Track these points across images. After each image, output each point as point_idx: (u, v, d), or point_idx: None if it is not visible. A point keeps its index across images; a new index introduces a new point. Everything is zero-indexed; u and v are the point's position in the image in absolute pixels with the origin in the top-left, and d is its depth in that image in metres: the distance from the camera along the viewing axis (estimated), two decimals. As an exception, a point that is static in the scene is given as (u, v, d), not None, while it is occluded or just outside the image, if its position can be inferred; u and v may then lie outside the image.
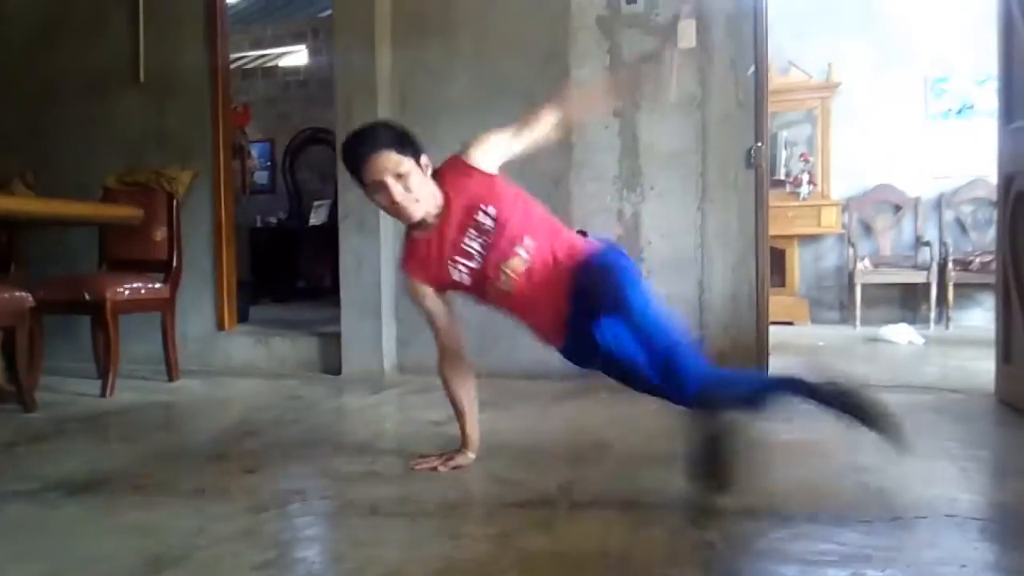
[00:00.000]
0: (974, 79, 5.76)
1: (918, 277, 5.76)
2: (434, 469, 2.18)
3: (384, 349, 3.85)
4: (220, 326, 4.25)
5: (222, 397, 3.48)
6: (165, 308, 3.79)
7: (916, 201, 6.02)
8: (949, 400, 3.10)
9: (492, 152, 2.10)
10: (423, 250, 2.11)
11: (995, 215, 3.48)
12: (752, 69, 3.41)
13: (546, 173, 3.66)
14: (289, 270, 7.75)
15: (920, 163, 5.99)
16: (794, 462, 2.34)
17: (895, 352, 4.65)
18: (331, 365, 3.96)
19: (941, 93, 5.98)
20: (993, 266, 3.72)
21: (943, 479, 2.08)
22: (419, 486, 2.07)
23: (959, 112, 5.92)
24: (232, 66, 5.17)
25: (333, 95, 3.97)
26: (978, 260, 5.53)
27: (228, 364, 4.16)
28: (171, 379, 3.77)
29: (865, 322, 5.72)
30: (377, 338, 3.84)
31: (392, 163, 1.98)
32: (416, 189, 2.01)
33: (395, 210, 2.04)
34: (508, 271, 2.01)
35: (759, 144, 3.40)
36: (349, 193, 3.89)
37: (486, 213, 2.03)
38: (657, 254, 3.54)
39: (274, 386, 3.67)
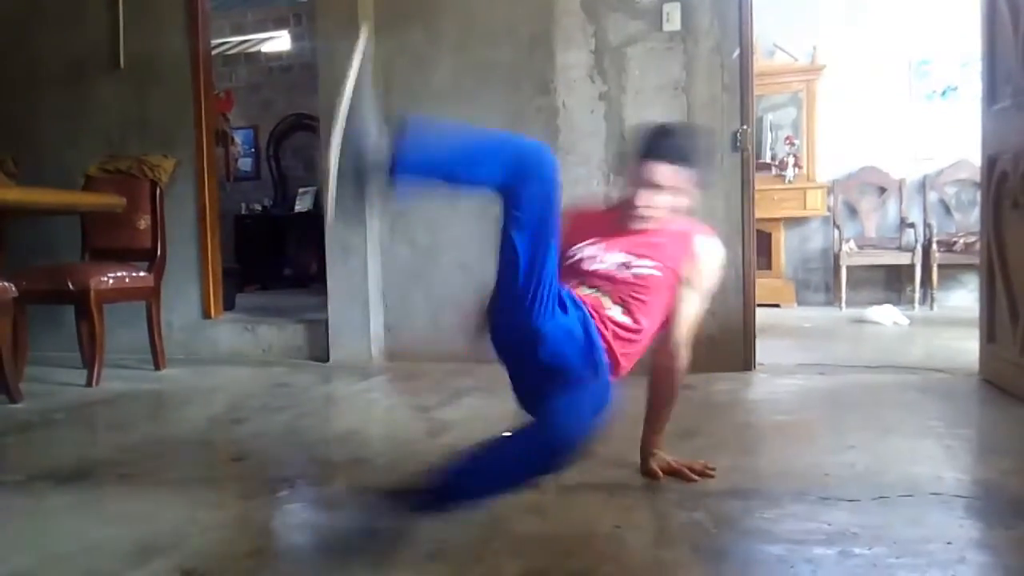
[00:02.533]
0: (958, 61, 5.78)
1: (903, 259, 5.79)
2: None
3: (372, 335, 3.84)
4: (206, 314, 4.22)
5: (209, 385, 3.46)
6: (150, 296, 3.76)
7: (901, 183, 6.05)
8: (934, 380, 3.13)
9: (703, 267, 1.94)
10: (596, 219, 2.00)
11: (979, 196, 3.50)
12: (737, 52, 3.41)
13: (532, 158, 3.64)
14: (275, 257, 7.71)
15: (904, 145, 6.02)
16: (781, 443, 2.36)
17: (880, 333, 4.68)
18: (319, 352, 3.95)
19: (925, 75, 5.99)
20: (977, 247, 3.75)
21: (928, 458, 2.10)
22: (408, 472, 2.07)
23: (943, 94, 5.95)
24: (213, 52, 5.11)
25: (316, 81, 3.94)
26: (962, 241, 5.57)
27: (215, 352, 4.15)
28: (157, 368, 3.75)
29: (851, 304, 5.76)
30: (364, 325, 3.84)
31: (677, 183, 1.87)
32: (665, 210, 1.89)
33: (635, 210, 1.89)
34: (590, 291, 1.87)
35: (745, 127, 3.41)
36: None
37: (648, 267, 1.88)
38: (644, 238, 3.54)
39: (261, 374, 3.65)
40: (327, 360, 3.88)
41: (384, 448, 2.40)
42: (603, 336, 1.79)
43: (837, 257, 5.94)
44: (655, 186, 1.86)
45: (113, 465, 2.21)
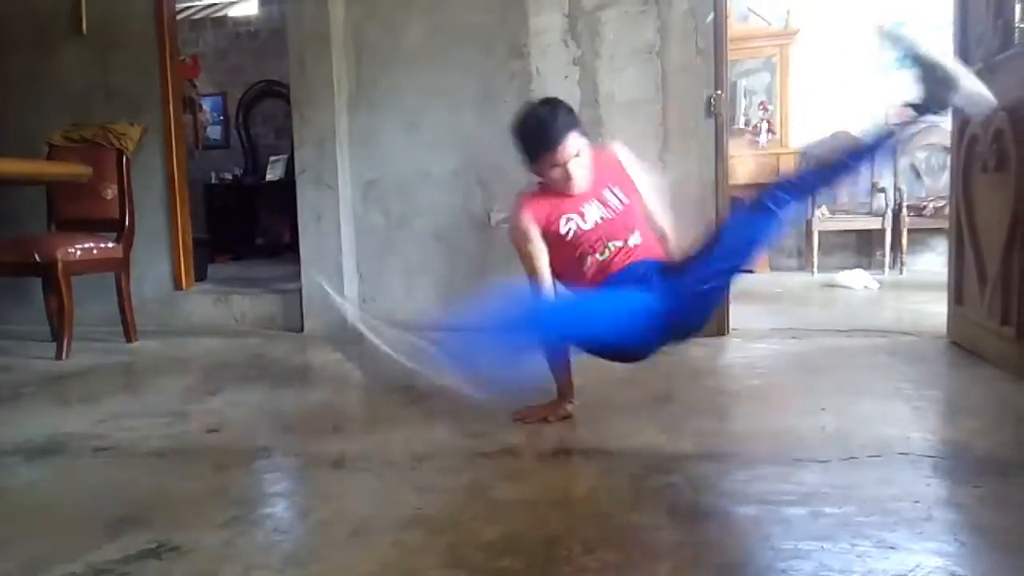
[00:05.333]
0: (931, 25, 5.78)
1: (873, 223, 5.85)
2: (545, 420, 2.19)
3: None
4: (177, 285, 4.17)
5: (182, 357, 3.43)
6: (119, 268, 3.70)
7: (872, 148, 6.08)
8: (903, 342, 3.18)
9: (634, 163, 2.30)
10: (546, 200, 2.20)
11: (948, 161, 3.53)
12: (711, 16, 3.38)
13: (507, 124, 3.60)
14: (247, 227, 7.62)
15: (876, 110, 6.04)
16: (755, 407, 2.38)
17: (851, 297, 4.74)
18: (293, 322, 3.92)
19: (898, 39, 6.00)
20: (946, 211, 3.80)
21: (897, 419, 2.14)
22: (385, 440, 2.07)
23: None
24: (179, 16, 4.99)
25: (285, 47, 3.86)
26: (931, 205, 5.63)
27: (187, 324, 4.10)
28: (129, 340, 3.71)
29: (822, 268, 5.81)
30: (339, 294, 3.81)
31: (578, 145, 2.13)
32: (586, 166, 2.16)
33: (567, 184, 2.15)
34: (611, 247, 2.14)
35: (719, 92, 3.39)
36: (305, 147, 3.83)
37: (615, 194, 2.20)
38: (618, 204, 3.54)
39: (235, 345, 3.63)
40: (301, 330, 3.86)
41: (361, 417, 2.39)
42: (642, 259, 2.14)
43: (809, 223, 5.99)
44: (571, 158, 2.11)
45: (86, 438, 2.18)
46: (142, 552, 1.43)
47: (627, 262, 2.12)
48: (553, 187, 2.18)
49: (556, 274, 2.21)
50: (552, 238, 2.17)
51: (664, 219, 2.32)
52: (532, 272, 2.19)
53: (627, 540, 1.45)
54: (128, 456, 2.03)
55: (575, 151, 2.12)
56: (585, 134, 2.18)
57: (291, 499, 1.78)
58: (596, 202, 2.18)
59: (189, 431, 2.26)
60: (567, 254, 2.16)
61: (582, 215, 2.16)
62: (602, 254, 2.13)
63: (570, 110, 2.18)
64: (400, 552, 1.42)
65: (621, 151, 2.32)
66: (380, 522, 1.55)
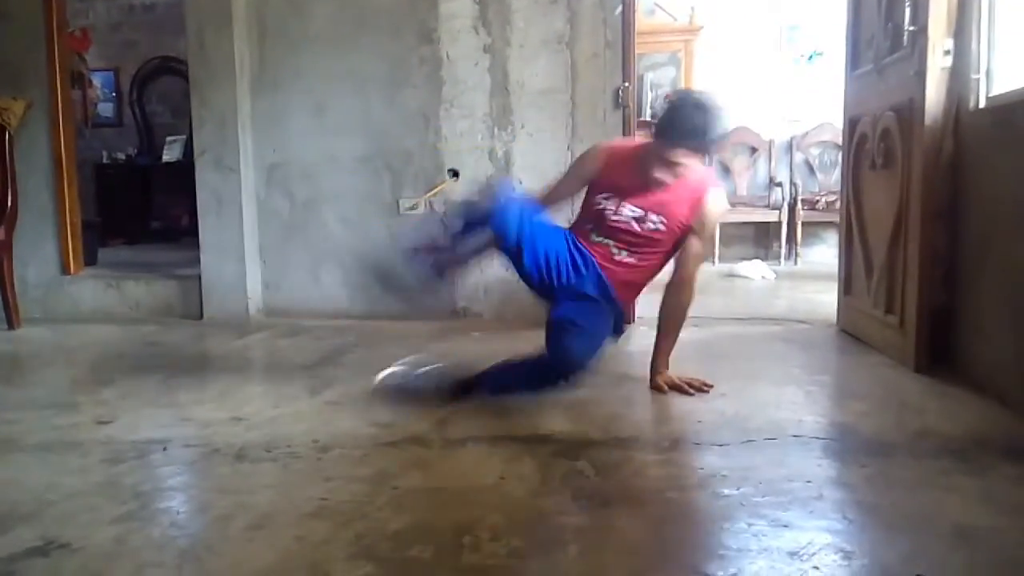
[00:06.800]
0: (825, 27, 6.03)
1: (770, 216, 6.07)
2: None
3: (248, 292, 3.70)
4: (65, 270, 3.95)
5: (71, 345, 3.26)
6: (0, 251, 3.48)
7: (770, 144, 6.31)
8: (796, 330, 3.32)
9: (707, 218, 2.36)
10: (630, 167, 2.31)
11: (839, 157, 3.70)
12: (619, 9, 3.43)
13: (415, 110, 3.58)
14: (141, 209, 7.28)
15: (775, 107, 6.27)
16: (658, 393, 2.44)
17: (749, 287, 4.92)
18: (191, 309, 3.77)
19: (794, 40, 6.24)
20: (837, 205, 3.98)
21: (790, 403, 2.23)
22: (288, 431, 2.03)
23: (809, 59, 6.21)
24: (67, -15, 4.70)
25: (183, 22, 3.70)
26: (824, 200, 5.88)
27: (75, 310, 3.89)
28: (11, 327, 3.50)
29: (723, 259, 6.00)
30: (240, 280, 3.69)
31: (687, 159, 2.22)
32: (672, 176, 2.25)
33: (648, 174, 2.25)
34: (608, 242, 2.35)
35: (626, 84, 3.45)
36: (205, 128, 3.68)
37: (659, 218, 2.31)
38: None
39: (129, 332, 3.46)
40: (201, 318, 3.72)
41: (263, 406, 2.33)
42: (612, 278, 2.34)
43: (711, 214, 6.16)
44: (674, 164, 2.21)
45: (-38, 432, 2.05)
46: (29, 550, 1.36)
47: (603, 263, 2.34)
48: (644, 162, 2.27)
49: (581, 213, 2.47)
50: (594, 188, 2.38)
51: (683, 270, 2.41)
52: (552, 184, 2.50)
53: (534, 526, 1.46)
54: (10, 450, 1.92)
55: (684, 161, 2.20)
56: (705, 154, 2.32)
57: (188, 493, 1.71)
58: (647, 212, 2.30)
59: (78, 423, 2.15)
60: (588, 209, 2.40)
61: (618, 210, 2.31)
62: (599, 237, 2.35)
63: (716, 127, 2.21)
64: (304, 545, 1.39)
65: (712, 200, 2.35)
66: (283, 515, 1.51)
